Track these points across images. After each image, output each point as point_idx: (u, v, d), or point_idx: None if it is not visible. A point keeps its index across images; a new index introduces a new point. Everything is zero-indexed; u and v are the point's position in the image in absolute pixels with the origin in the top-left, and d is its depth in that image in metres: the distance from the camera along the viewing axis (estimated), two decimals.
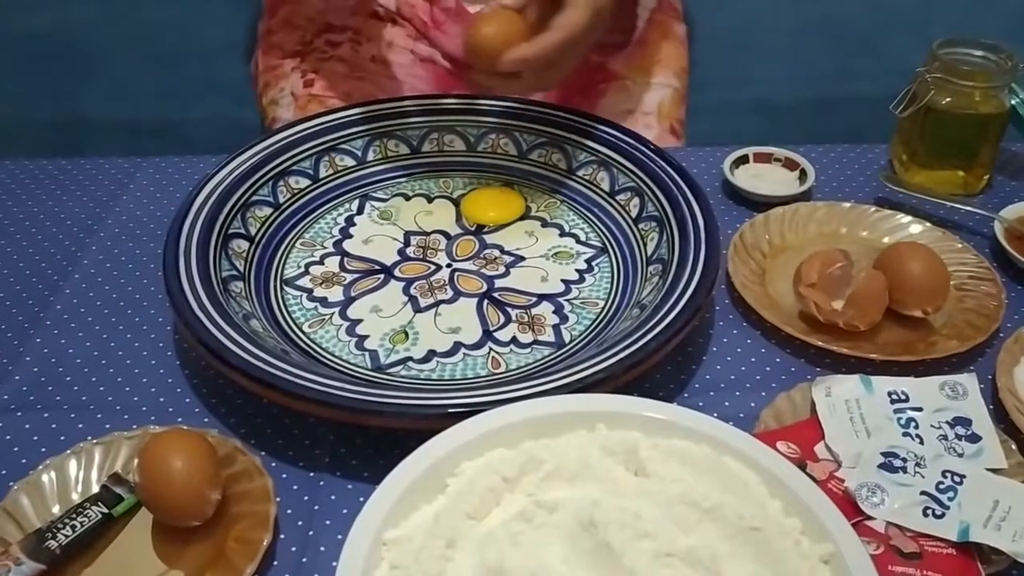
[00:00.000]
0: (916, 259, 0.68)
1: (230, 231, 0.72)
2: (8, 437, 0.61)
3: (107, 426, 0.61)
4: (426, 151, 0.83)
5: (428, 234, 0.77)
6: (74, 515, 0.54)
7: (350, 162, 0.81)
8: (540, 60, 0.69)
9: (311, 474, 0.59)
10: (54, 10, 1.16)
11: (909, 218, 0.77)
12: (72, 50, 1.18)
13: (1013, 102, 0.80)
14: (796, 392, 0.62)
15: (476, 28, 0.71)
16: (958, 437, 0.58)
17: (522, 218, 0.79)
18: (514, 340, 0.67)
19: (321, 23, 0.99)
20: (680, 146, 1.00)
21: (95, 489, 0.56)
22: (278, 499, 0.55)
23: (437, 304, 0.70)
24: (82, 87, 1.20)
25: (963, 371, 0.64)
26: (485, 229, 0.78)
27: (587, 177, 0.80)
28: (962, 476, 0.54)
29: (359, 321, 0.69)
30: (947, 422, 0.59)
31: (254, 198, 0.76)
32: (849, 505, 0.53)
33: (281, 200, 0.77)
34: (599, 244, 0.76)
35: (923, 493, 0.53)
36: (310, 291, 0.72)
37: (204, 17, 1.15)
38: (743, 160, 0.85)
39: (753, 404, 0.62)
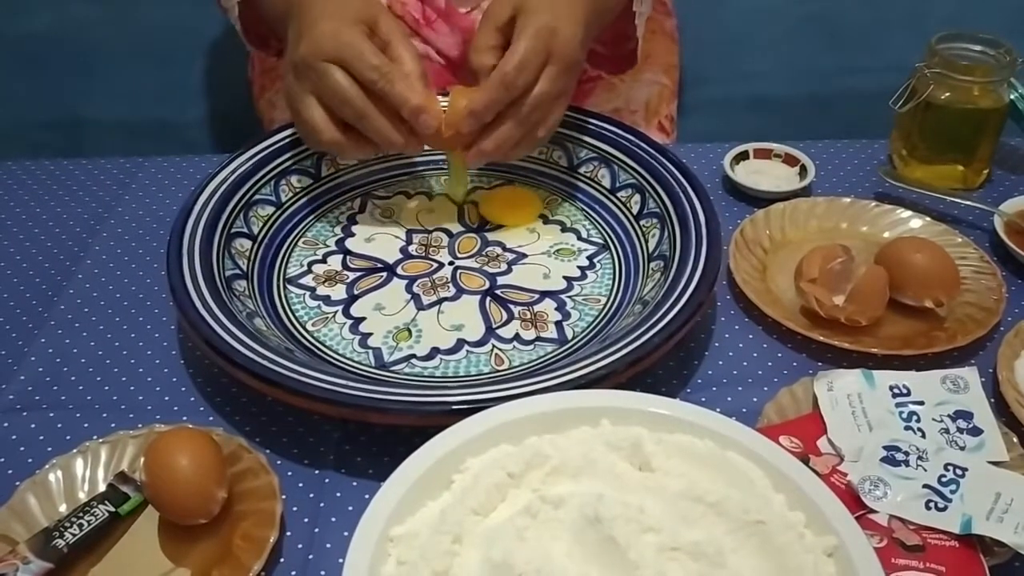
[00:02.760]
0: (924, 251, 0.68)
1: (233, 230, 0.73)
2: (14, 437, 0.62)
3: (112, 425, 0.62)
4: (428, 149, 0.83)
5: (430, 232, 0.77)
6: (81, 514, 0.54)
7: (351, 160, 0.82)
8: (487, 103, 0.67)
9: (316, 472, 0.59)
10: (53, 11, 1.16)
11: (909, 213, 0.78)
12: (72, 51, 1.18)
13: (1012, 96, 0.81)
14: (798, 387, 0.62)
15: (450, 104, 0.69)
16: (960, 430, 0.58)
17: None
18: (517, 337, 0.67)
19: None
20: (670, 142, 1.00)
21: (101, 488, 0.56)
22: (284, 497, 0.55)
23: (440, 302, 0.70)
24: (82, 88, 1.20)
25: (964, 365, 0.65)
26: (488, 226, 0.78)
27: (588, 174, 0.80)
28: (964, 469, 0.55)
29: (362, 319, 0.69)
30: (949, 415, 0.59)
31: (256, 197, 0.76)
32: (852, 499, 0.53)
33: (283, 199, 0.78)
34: (600, 241, 0.76)
35: (925, 486, 0.54)
36: (313, 289, 0.72)
37: (204, 17, 1.15)
38: (743, 156, 0.85)
39: (755, 399, 0.63)
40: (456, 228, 0.78)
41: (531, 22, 0.67)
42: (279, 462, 0.60)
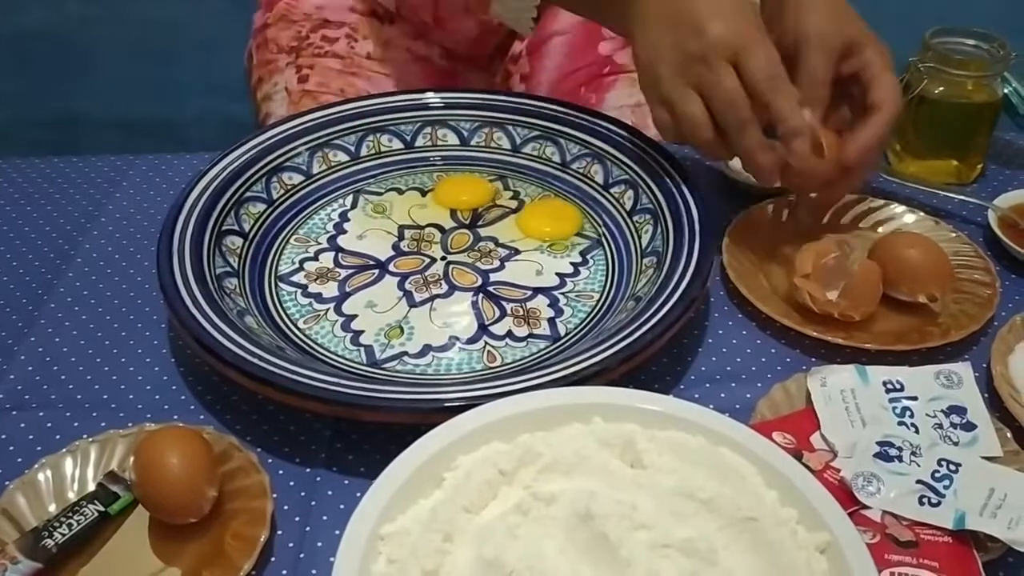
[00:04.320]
0: (918, 246, 0.68)
1: (224, 228, 0.72)
2: (3, 436, 0.61)
3: (103, 424, 0.61)
4: (419, 146, 0.83)
5: (422, 227, 0.77)
6: (70, 513, 0.54)
7: (343, 157, 0.81)
8: (876, 140, 0.67)
9: (307, 470, 0.59)
10: (46, 9, 1.16)
11: (903, 208, 0.77)
12: (65, 48, 1.18)
13: (1006, 91, 0.80)
14: (791, 383, 0.62)
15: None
16: (953, 426, 0.58)
17: (516, 211, 0.79)
18: (509, 334, 0.67)
19: (318, 19, 0.99)
20: None
21: (91, 487, 0.56)
22: (275, 495, 0.55)
23: (432, 299, 0.70)
24: (75, 85, 1.20)
25: (958, 360, 0.64)
26: (480, 222, 0.78)
27: (581, 170, 0.80)
28: (957, 464, 0.55)
29: (354, 316, 0.69)
30: (942, 411, 0.59)
31: (248, 194, 0.75)
32: (845, 495, 0.53)
33: (275, 196, 0.77)
34: (594, 237, 0.76)
35: (919, 482, 0.54)
36: (304, 287, 0.71)
37: (197, 14, 1.15)
38: None
39: (749, 395, 0.62)
40: (448, 224, 0.78)
41: (887, 79, 0.67)
42: (270, 460, 0.59)
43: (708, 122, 0.65)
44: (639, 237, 0.74)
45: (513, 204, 0.79)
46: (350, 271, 0.73)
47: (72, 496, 0.56)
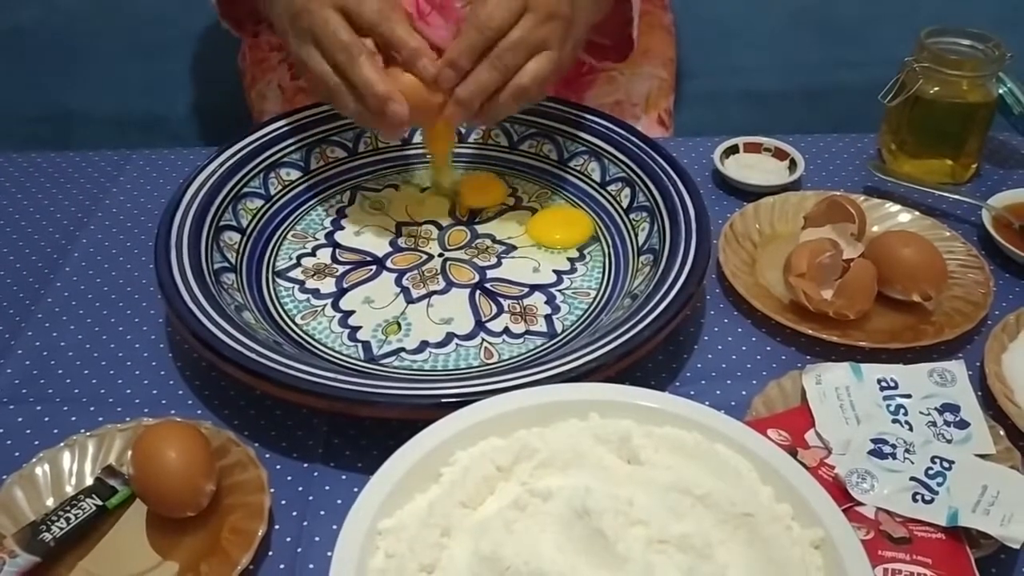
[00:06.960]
0: (912, 245, 0.68)
1: (221, 223, 0.72)
2: (1, 430, 0.61)
3: (100, 418, 0.61)
4: (417, 142, 0.83)
5: (420, 224, 0.77)
6: (68, 507, 0.54)
7: (341, 153, 0.81)
8: (460, 48, 0.66)
9: (305, 465, 0.59)
10: (40, 3, 1.15)
11: (898, 207, 0.78)
12: (59, 43, 1.17)
13: (1000, 91, 0.81)
14: (787, 380, 0.62)
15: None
16: (947, 423, 0.59)
17: (513, 208, 0.79)
18: (506, 330, 0.67)
19: None
20: (668, 136, 1.00)
21: (89, 481, 0.56)
22: (272, 490, 0.55)
23: (429, 295, 0.70)
24: (70, 81, 1.19)
25: (951, 358, 0.65)
26: (477, 219, 0.78)
27: (578, 168, 0.80)
28: (951, 462, 0.55)
29: (351, 312, 0.69)
30: (936, 408, 0.59)
31: (245, 190, 0.76)
32: (839, 491, 0.54)
33: (272, 192, 0.77)
34: (591, 234, 0.76)
35: (912, 479, 0.54)
36: (302, 283, 0.72)
37: (192, 9, 1.15)
38: (733, 150, 0.85)
39: (744, 392, 0.63)
40: (446, 221, 0.78)
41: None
42: (268, 456, 0.59)
43: (330, 70, 0.67)
44: (635, 235, 0.74)
45: (511, 201, 0.80)
46: (347, 267, 0.73)
47: (70, 490, 0.56)
